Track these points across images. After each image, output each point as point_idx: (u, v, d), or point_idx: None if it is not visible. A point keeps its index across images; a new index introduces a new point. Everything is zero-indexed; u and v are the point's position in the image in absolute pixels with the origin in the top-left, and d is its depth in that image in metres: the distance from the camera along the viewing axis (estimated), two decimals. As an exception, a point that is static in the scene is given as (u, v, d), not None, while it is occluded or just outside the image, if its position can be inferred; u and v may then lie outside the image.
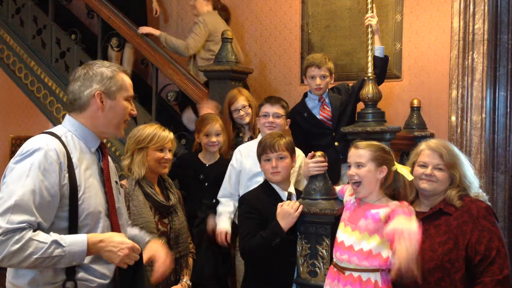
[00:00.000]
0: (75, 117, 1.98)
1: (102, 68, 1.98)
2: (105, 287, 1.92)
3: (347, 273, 2.26)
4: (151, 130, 2.73)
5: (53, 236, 1.77)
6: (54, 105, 4.49)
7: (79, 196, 1.86)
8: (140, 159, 2.69)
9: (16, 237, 1.70)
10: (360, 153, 2.31)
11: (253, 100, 3.45)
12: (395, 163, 2.35)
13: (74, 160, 1.89)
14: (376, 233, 2.22)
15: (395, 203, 2.28)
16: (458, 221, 2.26)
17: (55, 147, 1.85)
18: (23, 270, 1.82)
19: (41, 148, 1.82)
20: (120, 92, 1.98)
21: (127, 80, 2.02)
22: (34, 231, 1.75)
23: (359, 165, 2.30)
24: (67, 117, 2.01)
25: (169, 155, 2.74)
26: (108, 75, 1.97)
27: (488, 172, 3.78)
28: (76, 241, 1.79)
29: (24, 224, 1.72)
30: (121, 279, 1.93)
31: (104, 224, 1.93)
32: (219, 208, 3.12)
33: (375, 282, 2.20)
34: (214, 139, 3.25)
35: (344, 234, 2.33)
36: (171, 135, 2.77)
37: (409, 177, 2.31)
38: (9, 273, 1.88)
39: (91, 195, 1.90)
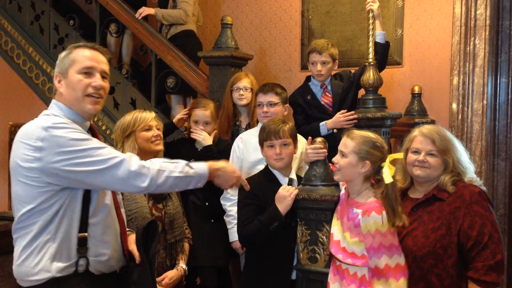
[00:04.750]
0: (59, 100, 2.02)
1: (63, 51, 2.04)
2: (113, 258, 1.98)
3: (337, 263, 2.28)
4: (131, 115, 2.80)
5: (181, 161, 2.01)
6: (53, 92, 4.44)
7: None
8: (129, 144, 2.73)
9: (148, 165, 1.94)
10: (347, 143, 2.29)
11: (256, 88, 3.42)
12: (387, 161, 2.25)
13: None
14: (356, 237, 2.21)
15: (371, 200, 2.23)
16: (451, 207, 2.24)
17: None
18: (41, 251, 1.87)
19: (64, 122, 1.91)
20: (72, 67, 1.98)
21: (82, 54, 1.99)
22: None
23: (342, 154, 2.29)
24: (53, 101, 2.04)
25: (157, 132, 2.80)
26: (62, 56, 2.02)
27: (488, 159, 3.77)
28: (200, 166, 2.05)
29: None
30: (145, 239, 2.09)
31: (110, 197, 2.02)
32: (227, 211, 3.09)
33: (362, 276, 2.19)
34: (201, 127, 3.23)
35: (334, 226, 2.35)
36: (152, 114, 2.83)
37: (386, 180, 2.21)
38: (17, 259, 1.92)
39: None
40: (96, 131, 2.08)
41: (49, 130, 1.84)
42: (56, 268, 1.87)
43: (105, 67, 2.03)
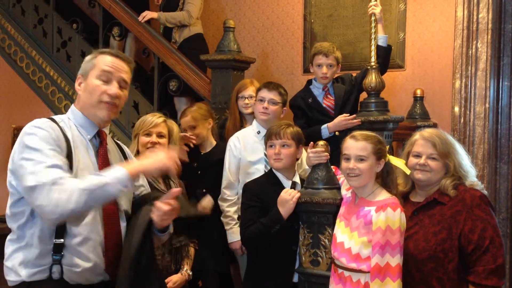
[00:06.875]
0: (75, 104, 2.04)
1: (89, 55, 2.03)
2: (89, 270, 1.89)
3: (339, 270, 2.27)
4: (143, 117, 2.82)
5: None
6: (56, 95, 4.48)
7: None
8: (133, 146, 2.76)
9: (60, 181, 1.74)
10: (361, 146, 2.26)
11: None
12: (387, 154, 2.33)
13: (71, 144, 1.91)
14: (365, 236, 2.20)
15: (386, 197, 2.25)
16: (451, 211, 2.24)
17: (51, 126, 1.90)
18: (15, 253, 1.87)
19: (41, 125, 1.87)
20: (93, 71, 1.97)
21: (104, 59, 1.98)
22: None
23: (361, 159, 2.26)
24: (71, 105, 2.06)
25: (156, 139, 2.74)
26: (88, 59, 2.01)
27: (491, 163, 3.76)
28: (114, 169, 1.82)
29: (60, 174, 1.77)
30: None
31: (96, 212, 1.91)
32: (225, 212, 3.08)
33: (365, 284, 2.18)
34: (189, 133, 3.23)
35: (338, 229, 2.34)
36: (158, 120, 2.78)
37: (401, 166, 2.29)
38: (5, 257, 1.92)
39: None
40: (104, 138, 2.03)
41: (26, 127, 1.86)
42: (26, 273, 1.84)
43: (125, 75, 2.00)
